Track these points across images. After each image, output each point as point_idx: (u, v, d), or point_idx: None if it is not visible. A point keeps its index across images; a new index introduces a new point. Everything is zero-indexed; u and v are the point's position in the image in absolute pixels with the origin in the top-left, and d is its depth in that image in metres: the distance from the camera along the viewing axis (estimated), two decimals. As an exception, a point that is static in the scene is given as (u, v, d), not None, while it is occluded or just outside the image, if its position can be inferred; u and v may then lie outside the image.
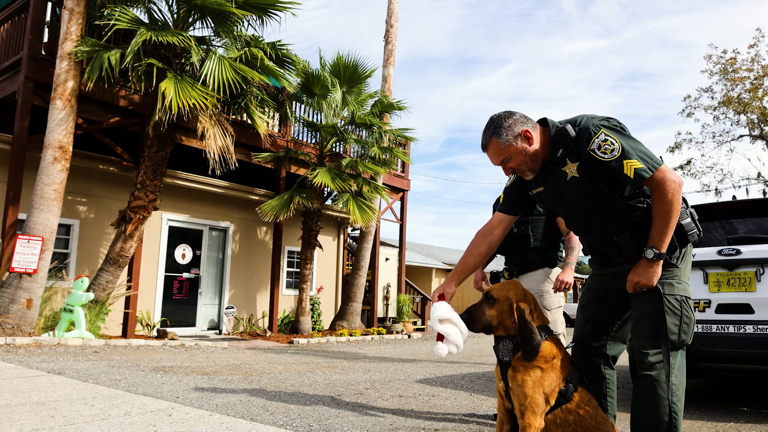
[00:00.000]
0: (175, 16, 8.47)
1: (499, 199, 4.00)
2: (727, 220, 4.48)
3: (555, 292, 3.58)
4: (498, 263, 3.54)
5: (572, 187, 2.22)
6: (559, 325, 3.47)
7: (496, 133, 2.23)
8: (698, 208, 4.65)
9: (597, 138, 2.10)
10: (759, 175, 22.32)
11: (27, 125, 7.79)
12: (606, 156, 2.08)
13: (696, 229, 2.19)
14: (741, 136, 22.62)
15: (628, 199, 2.19)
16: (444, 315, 2.20)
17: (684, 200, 2.20)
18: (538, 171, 2.29)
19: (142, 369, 5.35)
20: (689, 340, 2.17)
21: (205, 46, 8.70)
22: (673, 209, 2.07)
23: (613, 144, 2.08)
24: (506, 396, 2.17)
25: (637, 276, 2.13)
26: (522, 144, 2.22)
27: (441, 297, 2.32)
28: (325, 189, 11.15)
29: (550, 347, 2.15)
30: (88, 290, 7.62)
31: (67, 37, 7.62)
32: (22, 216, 7.86)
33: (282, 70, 9.29)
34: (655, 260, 2.09)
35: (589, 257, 2.48)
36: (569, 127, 2.17)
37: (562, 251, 3.71)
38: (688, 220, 2.18)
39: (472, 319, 2.20)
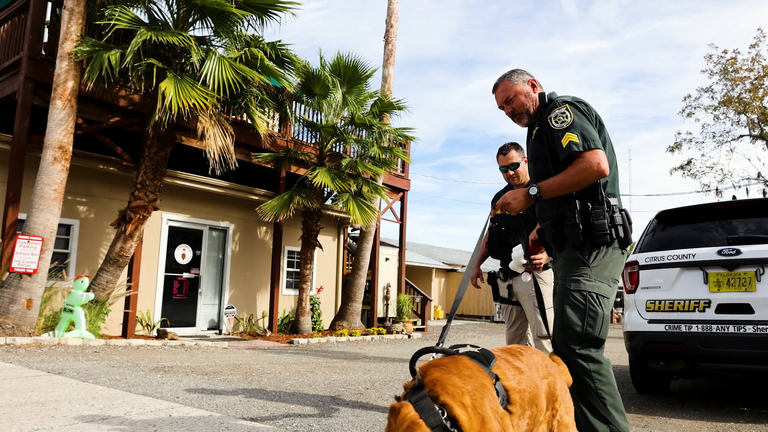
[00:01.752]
0: (175, 16, 8.47)
1: (497, 195, 4.01)
2: (727, 220, 4.48)
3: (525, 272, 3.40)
4: (495, 263, 3.55)
5: (530, 149, 2.54)
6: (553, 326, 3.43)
7: (507, 83, 2.57)
8: (698, 208, 4.64)
9: (558, 109, 2.33)
10: (759, 175, 22.29)
11: (27, 125, 7.79)
12: (556, 125, 2.29)
13: (608, 233, 2.24)
14: (741, 136, 22.60)
15: None
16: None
17: (607, 202, 2.27)
18: (523, 124, 2.60)
19: (142, 369, 5.35)
20: (597, 334, 2.25)
21: (205, 46, 8.70)
22: (579, 179, 2.20)
23: (567, 117, 2.28)
24: None
25: (508, 194, 2.39)
26: (512, 105, 2.59)
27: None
28: (325, 189, 11.15)
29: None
30: (88, 290, 7.62)
31: (67, 37, 7.62)
32: (22, 216, 7.86)
33: (282, 70, 9.29)
34: (531, 197, 2.29)
35: None
36: (546, 95, 2.48)
37: None
38: (603, 221, 2.24)
39: None
